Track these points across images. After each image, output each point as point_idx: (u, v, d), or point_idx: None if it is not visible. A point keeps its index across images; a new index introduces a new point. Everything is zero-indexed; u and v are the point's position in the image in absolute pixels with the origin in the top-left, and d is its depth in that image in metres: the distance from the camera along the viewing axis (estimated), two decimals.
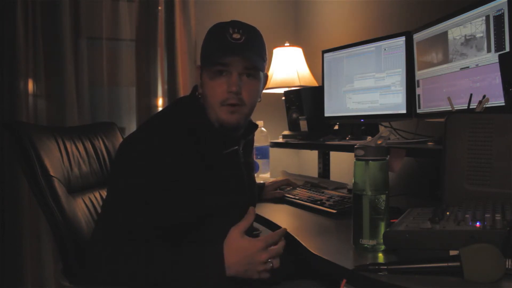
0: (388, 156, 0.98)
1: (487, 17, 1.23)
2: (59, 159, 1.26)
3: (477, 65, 1.28)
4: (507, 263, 0.69)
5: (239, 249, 0.97)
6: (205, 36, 1.16)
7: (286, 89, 2.33)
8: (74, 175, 1.29)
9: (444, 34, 1.41)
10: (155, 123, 1.13)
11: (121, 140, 1.55)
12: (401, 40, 1.63)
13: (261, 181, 1.74)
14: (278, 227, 1.24)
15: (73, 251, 1.14)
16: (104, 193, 1.39)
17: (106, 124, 1.59)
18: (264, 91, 2.50)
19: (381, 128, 1.88)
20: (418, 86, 1.57)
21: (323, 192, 1.59)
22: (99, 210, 1.32)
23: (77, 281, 1.10)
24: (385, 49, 1.70)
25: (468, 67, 1.31)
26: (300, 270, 1.26)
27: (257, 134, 2.18)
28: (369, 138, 1.35)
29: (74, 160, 1.31)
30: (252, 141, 1.42)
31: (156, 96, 2.54)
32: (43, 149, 1.19)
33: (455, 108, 1.21)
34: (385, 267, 0.75)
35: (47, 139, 1.24)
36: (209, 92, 1.11)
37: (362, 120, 1.82)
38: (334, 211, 1.33)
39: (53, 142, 1.27)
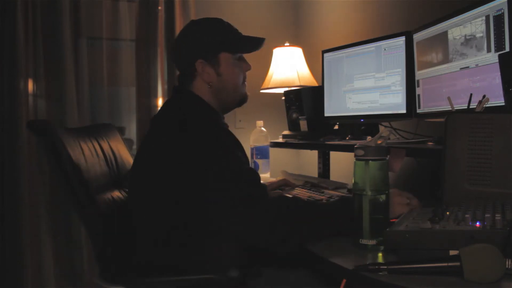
0: (388, 156, 0.98)
1: (487, 17, 1.23)
2: (83, 160, 1.25)
3: (477, 65, 1.28)
4: (507, 263, 0.69)
5: None
6: (215, 26, 1.26)
7: (286, 89, 2.33)
8: (94, 176, 1.28)
9: (444, 34, 1.41)
10: (192, 119, 1.16)
11: (121, 140, 1.55)
12: (401, 40, 1.63)
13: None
14: None
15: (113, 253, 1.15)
16: (114, 195, 1.36)
17: (107, 126, 1.59)
18: (264, 91, 2.53)
19: (381, 128, 1.87)
20: (418, 86, 1.57)
21: (323, 192, 1.59)
22: (116, 211, 1.30)
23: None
24: (385, 49, 1.70)
25: (468, 67, 1.31)
26: (299, 269, 1.26)
27: (257, 134, 2.19)
28: (369, 138, 1.35)
29: (93, 161, 1.31)
30: None
31: (156, 96, 2.54)
32: (72, 150, 1.20)
33: (455, 108, 1.21)
34: (385, 267, 0.75)
35: (72, 141, 1.24)
36: (233, 75, 1.27)
37: (362, 120, 1.82)
38: None
39: (76, 143, 1.27)
